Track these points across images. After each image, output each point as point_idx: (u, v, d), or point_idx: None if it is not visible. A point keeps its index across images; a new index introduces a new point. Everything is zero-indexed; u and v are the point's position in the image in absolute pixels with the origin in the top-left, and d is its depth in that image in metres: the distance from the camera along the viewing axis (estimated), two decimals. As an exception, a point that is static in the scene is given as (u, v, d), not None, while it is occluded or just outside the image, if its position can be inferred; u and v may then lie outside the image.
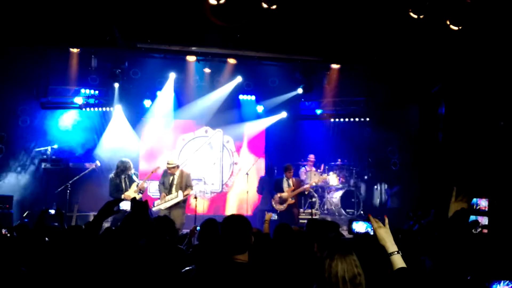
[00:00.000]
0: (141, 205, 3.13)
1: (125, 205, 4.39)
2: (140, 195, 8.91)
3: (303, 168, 11.89)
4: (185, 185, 8.87)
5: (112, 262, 2.70)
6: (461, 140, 9.54)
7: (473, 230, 2.45)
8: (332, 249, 2.52)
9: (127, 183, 8.93)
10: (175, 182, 8.87)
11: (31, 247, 4.00)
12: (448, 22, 8.38)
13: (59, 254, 3.80)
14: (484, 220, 2.43)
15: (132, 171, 9.07)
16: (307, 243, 3.98)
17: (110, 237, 2.88)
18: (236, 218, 3.13)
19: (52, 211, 5.31)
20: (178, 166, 9.09)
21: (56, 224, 5.38)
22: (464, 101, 9.63)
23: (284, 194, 9.66)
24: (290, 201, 9.59)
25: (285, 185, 9.78)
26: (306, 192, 10.03)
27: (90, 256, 2.74)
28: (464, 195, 2.75)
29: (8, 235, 4.98)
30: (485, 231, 2.48)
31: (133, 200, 3.05)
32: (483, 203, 2.76)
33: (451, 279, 2.19)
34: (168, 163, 9.01)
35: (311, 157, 11.94)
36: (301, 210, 10.79)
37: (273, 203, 9.77)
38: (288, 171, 9.79)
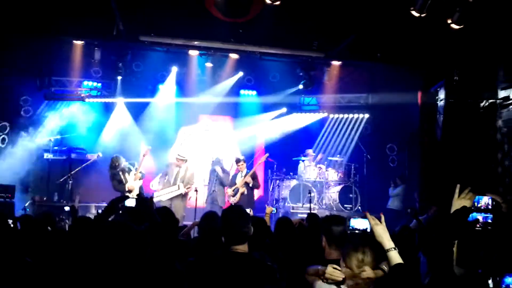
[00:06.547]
0: (146, 202, 3.23)
1: (130, 203, 4.39)
2: (141, 180, 8.95)
3: (302, 163, 11.95)
4: (187, 181, 9.00)
5: (115, 252, 2.74)
6: (460, 138, 9.61)
7: (476, 227, 2.46)
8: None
9: (125, 174, 8.90)
10: (180, 175, 9.00)
11: (35, 238, 4.04)
12: (449, 21, 8.44)
13: (65, 245, 3.89)
14: (485, 218, 2.46)
15: (125, 163, 9.01)
16: (309, 235, 4.08)
17: (115, 228, 2.93)
18: (236, 209, 3.21)
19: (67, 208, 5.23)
20: (186, 161, 9.21)
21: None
22: (463, 100, 9.71)
23: (235, 186, 9.45)
24: (242, 189, 9.34)
25: (238, 178, 9.57)
26: (248, 180, 9.37)
27: (96, 247, 2.79)
28: (468, 192, 2.76)
29: (12, 225, 5.04)
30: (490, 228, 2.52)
31: (139, 198, 3.16)
32: (486, 201, 2.79)
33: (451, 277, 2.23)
34: (178, 155, 9.18)
35: (309, 151, 12.01)
36: (300, 204, 10.87)
37: (226, 197, 9.57)
38: (238, 164, 9.60)
